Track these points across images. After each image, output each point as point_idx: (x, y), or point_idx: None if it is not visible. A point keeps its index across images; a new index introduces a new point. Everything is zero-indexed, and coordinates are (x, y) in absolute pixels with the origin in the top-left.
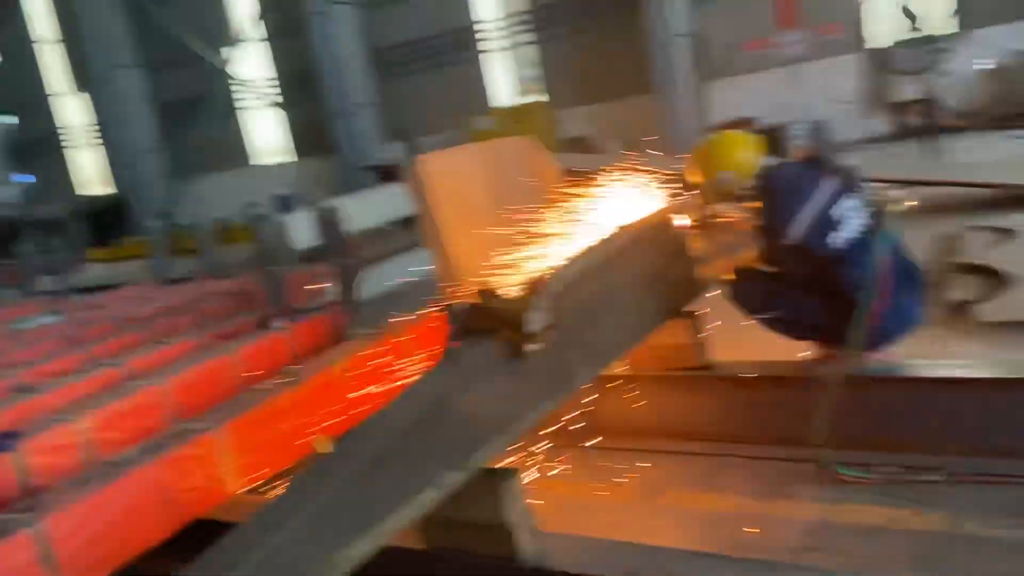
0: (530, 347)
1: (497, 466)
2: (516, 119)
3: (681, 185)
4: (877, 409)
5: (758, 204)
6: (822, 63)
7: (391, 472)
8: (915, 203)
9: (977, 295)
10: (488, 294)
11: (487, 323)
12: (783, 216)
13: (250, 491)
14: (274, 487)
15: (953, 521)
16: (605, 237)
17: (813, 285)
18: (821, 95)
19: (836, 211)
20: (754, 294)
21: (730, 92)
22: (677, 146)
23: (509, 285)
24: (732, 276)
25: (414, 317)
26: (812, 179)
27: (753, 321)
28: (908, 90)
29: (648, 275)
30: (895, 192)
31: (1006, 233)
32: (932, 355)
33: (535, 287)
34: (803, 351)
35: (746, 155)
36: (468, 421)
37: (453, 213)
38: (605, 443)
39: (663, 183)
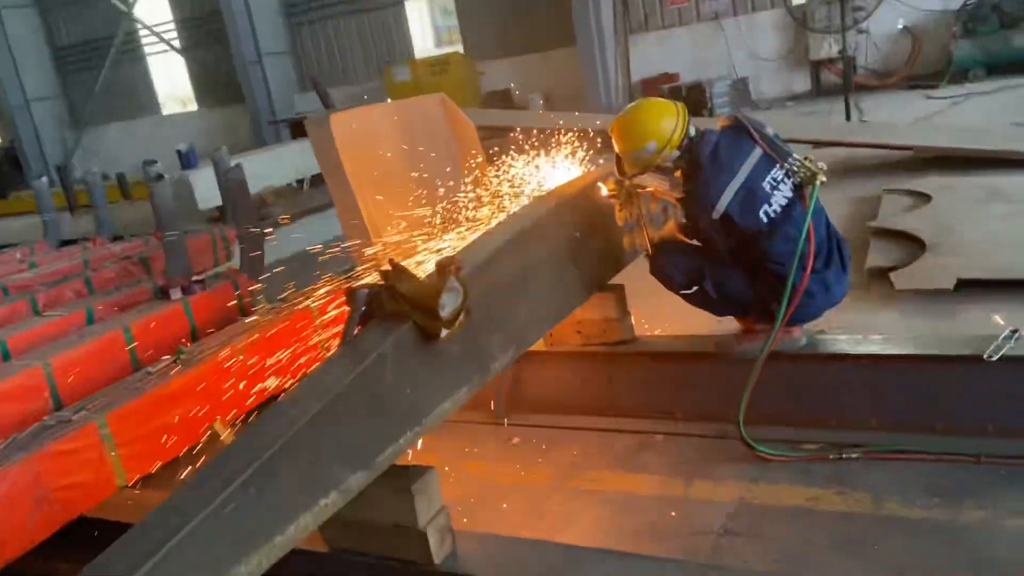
0: (443, 332)
1: (408, 464)
2: (435, 71)
3: (610, 153)
4: (798, 385)
5: (683, 176)
6: (743, 19)
7: (289, 474)
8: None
9: (895, 261)
10: (395, 275)
11: (393, 307)
12: (709, 189)
13: (140, 485)
14: (166, 479)
15: (875, 502)
16: (523, 208)
17: (739, 259)
18: (742, 51)
19: (763, 183)
20: (678, 268)
21: (651, 47)
22: (600, 101)
23: (418, 263)
24: (655, 249)
25: (329, 288)
26: (739, 150)
27: (676, 295)
28: (828, 48)
29: (570, 248)
30: (818, 162)
31: (922, 197)
32: (852, 327)
33: (446, 267)
34: (725, 325)
35: (670, 124)
36: (375, 414)
37: (364, 176)
38: (522, 420)
39: (587, 143)
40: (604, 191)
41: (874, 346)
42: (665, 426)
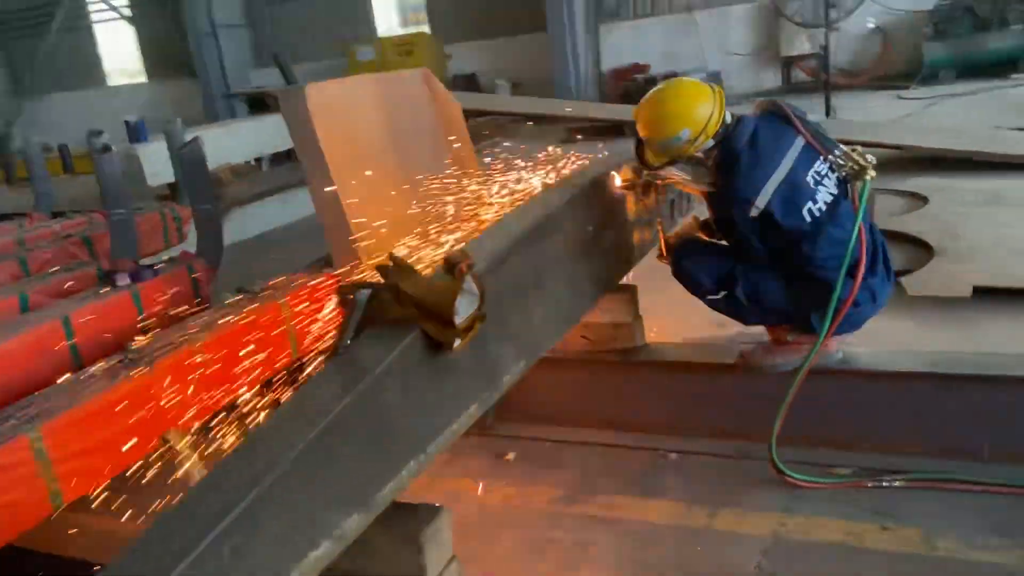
0: (456, 343)
1: (414, 503)
2: (401, 51)
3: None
4: (831, 404)
5: (715, 167)
6: (716, 12)
7: (273, 524)
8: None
9: (902, 265)
10: (397, 272)
11: (398, 312)
12: (748, 182)
13: (79, 508)
14: (111, 501)
15: (926, 539)
16: (534, 198)
17: (775, 262)
18: (714, 44)
19: (806, 177)
20: (706, 271)
21: (623, 36)
22: (570, 90)
23: (418, 256)
24: (678, 249)
25: (299, 278)
26: (780, 139)
27: (700, 300)
28: (800, 44)
29: (584, 244)
30: (867, 155)
31: (915, 199)
32: (866, 336)
33: (457, 264)
34: (728, 329)
35: (706, 110)
36: (373, 443)
37: (345, 154)
38: (518, 432)
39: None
40: (617, 181)
41: (916, 363)
42: (680, 443)
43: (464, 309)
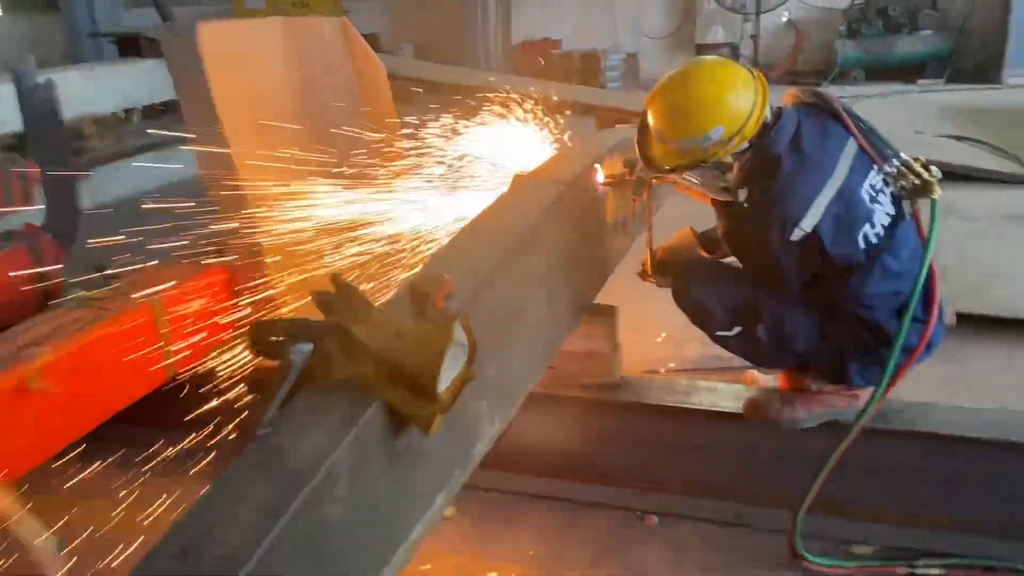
0: (436, 420)
1: None
2: (296, 1)
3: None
4: (852, 466)
5: (744, 173)
6: None
7: None
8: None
9: None
10: (342, 302)
11: (343, 369)
12: (794, 198)
13: None
14: None
15: None
16: (507, 196)
17: (814, 295)
18: (628, 25)
19: (863, 192)
20: (720, 299)
21: (535, 7)
22: (478, 60)
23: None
24: (682, 268)
25: (177, 270)
26: (831, 141)
27: (705, 333)
28: (715, 33)
29: (566, 256)
30: (931, 166)
31: None
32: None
33: (433, 297)
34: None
35: (746, 102)
36: (314, 569)
37: (241, 109)
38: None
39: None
40: (601, 176)
41: (966, 421)
42: (670, 503)
43: (449, 369)
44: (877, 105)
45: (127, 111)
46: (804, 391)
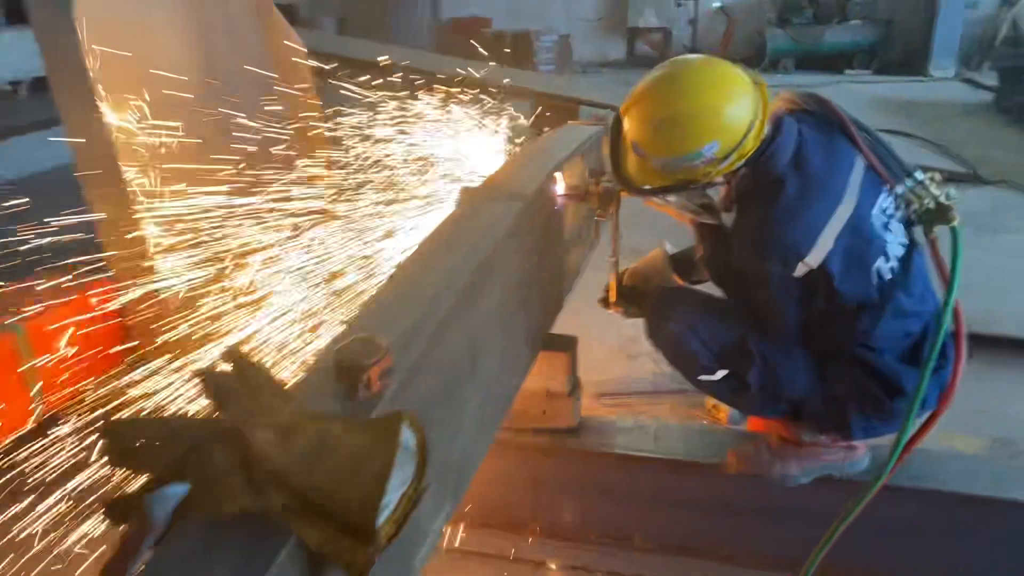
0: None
1: None
2: None
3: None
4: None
5: (736, 195)
6: None
7: None
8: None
9: None
10: (237, 396)
11: (239, 499)
12: (798, 227)
13: None
14: None
15: None
16: (457, 216)
17: (813, 336)
18: (560, 6)
19: (874, 219)
20: (704, 339)
21: None
22: (405, 37)
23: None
24: (657, 300)
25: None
26: (837, 158)
27: (683, 375)
28: (648, 18)
29: (524, 284)
30: (946, 186)
31: None
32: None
33: (366, 375)
34: (742, 422)
35: (744, 113)
36: None
37: (121, 92)
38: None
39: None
40: (561, 187)
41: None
42: (628, 563)
43: (393, 491)
44: None
45: (14, 83)
46: (796, 442)
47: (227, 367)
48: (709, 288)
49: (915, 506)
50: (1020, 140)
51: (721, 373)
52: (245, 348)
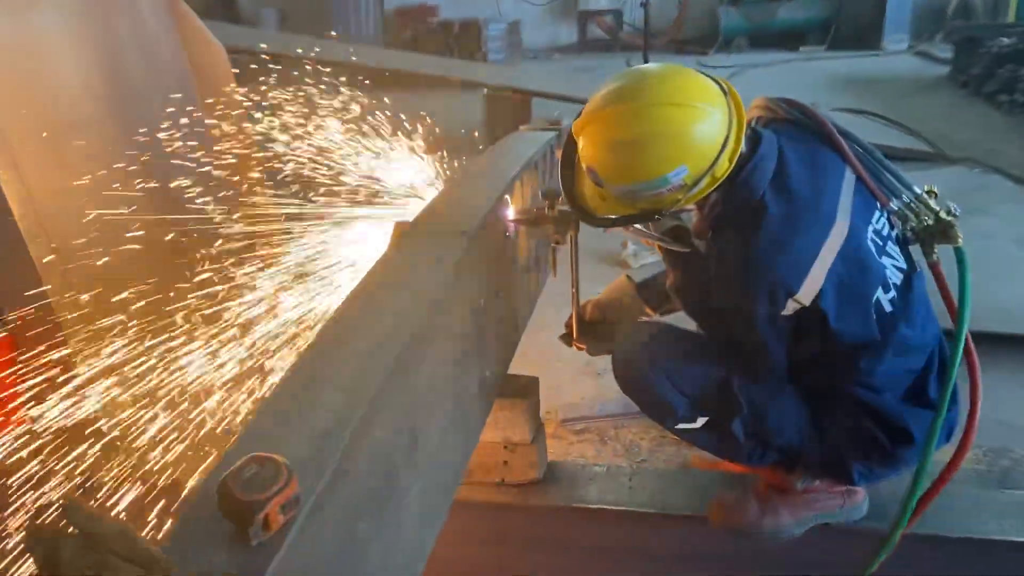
0: None
1: None
2: None
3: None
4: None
5: (710, 222)
6: None
7: None
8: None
9: None
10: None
11: None
12: (784, 261)
13: None
14: None
15: None
16: (383, 265)
17: (808, 375)
18: None
19: (871, 241)
20: (677, 385)
21: None
22: (348, 30)
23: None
24: (628, 339)
25: None
26: (827, 176)
27: (657, 423)
28: None
29: (472, 331)
30: (946, 200)
31: None
32: None
33: (261, 520)
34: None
35: (715, 130)
36: None
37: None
38: None
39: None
40: (511, 212)
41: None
42: None
43: None
44: (764, 75)
45: None
46: (787, 490)
47: (64, 525)
48: (684, 319)
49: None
50: (979, 115)
51: (702, 420)
52: (86, 501)
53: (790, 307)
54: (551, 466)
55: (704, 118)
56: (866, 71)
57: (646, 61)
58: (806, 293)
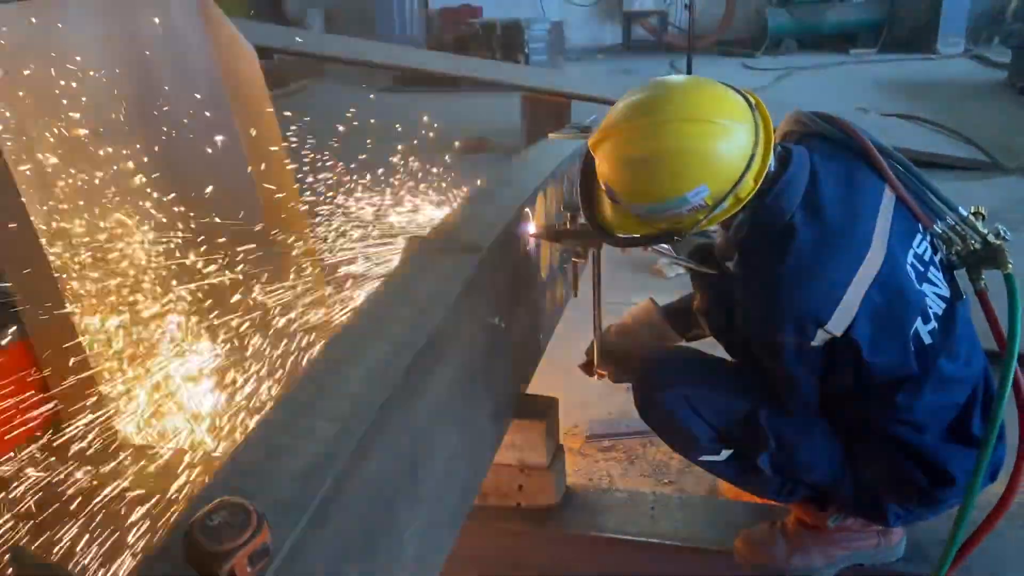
0: None
1: None
2: None
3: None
4: None
5: (737, 245)
6: None
7: None
8: None
9: None
10: None
11: None
12: (812, 289)
13: None
14: None
15: None
16: (395, 279)
17: (841, 410)
18: None
19: (911, 267)
20: (701, 415)
21: None
22: (392, 30)
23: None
24: (646, 366)
25: None
26: (862, 196)
27: (681, 455)
28: (644, 1)
29: (485, 352)
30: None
31: None
32: None
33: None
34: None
35: (743, 146)
36: None
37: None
38: None
39: None
40: (532, 227)
41: None
42: None
43: None
44: (812, 77)
45: None
46: (818, 528)
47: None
48: (713, 345)
49: None
50: None
51: (726, 453)
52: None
53: (820, 338)
54: (570, 490)
55: (726, 135)
56: (919, 75)
57: (689, 63)
58: (838, 323)
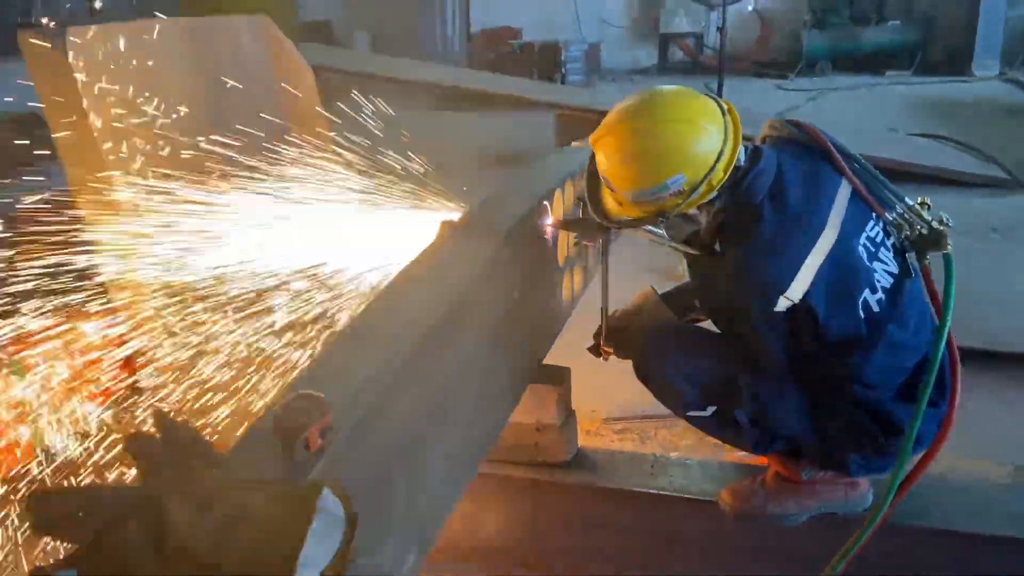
0: None
1: None
2: None
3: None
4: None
5: (714, 229)
6: None
7: None
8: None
9: None
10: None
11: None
12: (775, 262)
13: None
14: None
15: None
16: (427, 255)
17: (804, 374)
18: (590, 13)
19: (858, 248)
20: (689, 375)
21: None
22: (435, 49)
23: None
24: (644, 338)
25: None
26: (820, 187)
27: (674, 413)
28: (680, 22)
29: (506, 321)
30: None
31: None
32: None
33: (302, 438)
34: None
35: (712, 143)
36: None
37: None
38: None
39: None
40: (549, 219)
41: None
42: None
43: (313, 562)
44: (846, 98)
45: None
46: (794, 480)
47: (154, 430)
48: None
49: (924, 550)
50: None
51: (711, 410)
52: (172, 411)
53: (783, 304)
54: (580, 452)
55: (701, 133)
56: (951, 97)
57: (720, 84)
58: (796, 291)
